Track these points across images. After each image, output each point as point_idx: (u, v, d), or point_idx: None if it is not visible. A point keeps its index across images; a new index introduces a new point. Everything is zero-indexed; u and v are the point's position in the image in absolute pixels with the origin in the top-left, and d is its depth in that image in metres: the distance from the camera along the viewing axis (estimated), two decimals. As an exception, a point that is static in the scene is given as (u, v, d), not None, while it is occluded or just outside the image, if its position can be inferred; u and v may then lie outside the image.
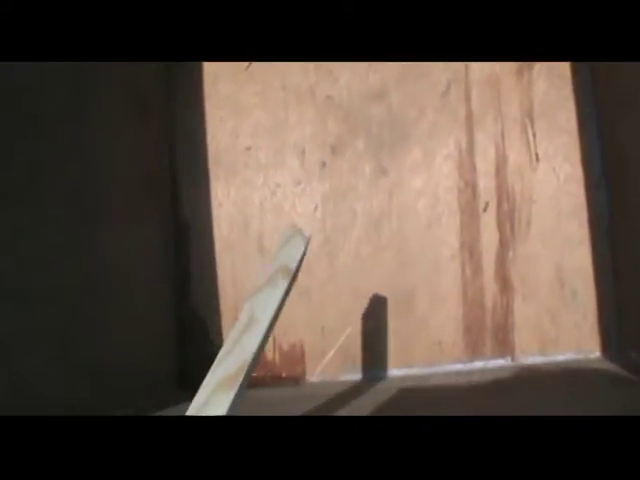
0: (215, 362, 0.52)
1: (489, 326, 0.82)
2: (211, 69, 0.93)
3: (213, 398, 0.49)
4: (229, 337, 0.53)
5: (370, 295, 0.84)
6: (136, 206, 0.82)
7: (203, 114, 0.92)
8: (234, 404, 0.49)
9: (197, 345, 0.88)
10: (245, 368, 0.51)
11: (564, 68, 0.84)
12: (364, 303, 0.84)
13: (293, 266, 0.57)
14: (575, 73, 0.84)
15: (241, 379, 0.50)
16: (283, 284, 0.56)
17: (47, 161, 0.64)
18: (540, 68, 0.84)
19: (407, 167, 0.86)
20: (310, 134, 0.89)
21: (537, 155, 0.83)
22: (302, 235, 0.58)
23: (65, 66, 0.68)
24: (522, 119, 0.84)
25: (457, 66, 0.86)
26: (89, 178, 0.71)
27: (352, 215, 0.86)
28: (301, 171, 0.89)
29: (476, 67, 0.86)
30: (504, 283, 0.83)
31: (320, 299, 0.85)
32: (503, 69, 0.85)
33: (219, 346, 0.86)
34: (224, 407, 0.48)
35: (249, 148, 0.90)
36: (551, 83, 0.84)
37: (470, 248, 0.83)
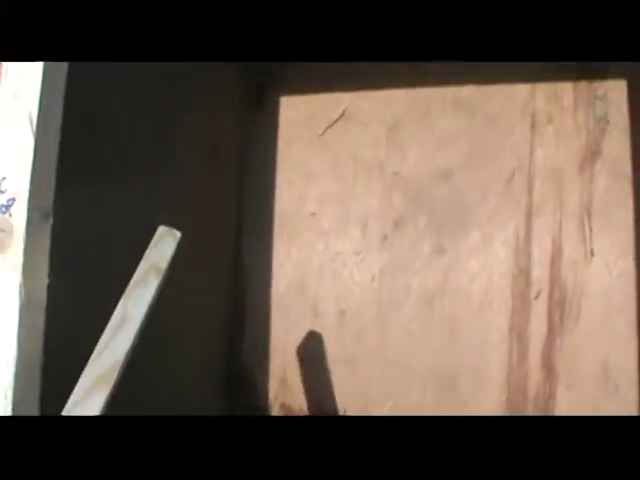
0: (89, 361, 0.55)
1: (531, 412, 0.85)
2: (286, 133, 0.98)
3: (88, 398, 0.53)
4: (102, 336, 0.56)
5: (417, 371, 0.87)
6: (200, 254, 0.86)
7: (273, 175, 0.98)
8: (107, 402, 0.53)
9: (244, 399, 0.92)
10: (118, 367, 0.55)
11: (625, 166, 0.87)
12: (410, 378, 0.87)
13: (164, 265, 0.60)
14: (636, 171, 0.87)
15: (114, 377, 0.54)
16: (154, 283, 0.59)
17: (128, 195, 0.69)
18: (602, 164, 0.87)
19: (465, 249, 0.89)
20: (375, 207, 0.93)
21: (592, 250, 0.86)
22: (173, 234, 0.61)
23: (152, 110, 0.73)
24: (581, 213, 0.87)
25: (522, 155, 0.90)
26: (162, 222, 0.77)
27: (407, 290, 0.90)
28: (362, 241, 0.93)
29: (540, 157, 0.89)
30: (549, 371, 0.85)
31: (367, 369, 0.89)
32: (566, 161, 0.88)
33: (265, 401, 0.91)
34: (99, 406, 0.52)
35: (314, 214, 0.95)
36: (612, 180, 0.87)
37: (519, 334, 0.86)
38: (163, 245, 0.61)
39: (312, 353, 0.92)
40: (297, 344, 0.92)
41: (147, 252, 0.60)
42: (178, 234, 0.61)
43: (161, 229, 0.61)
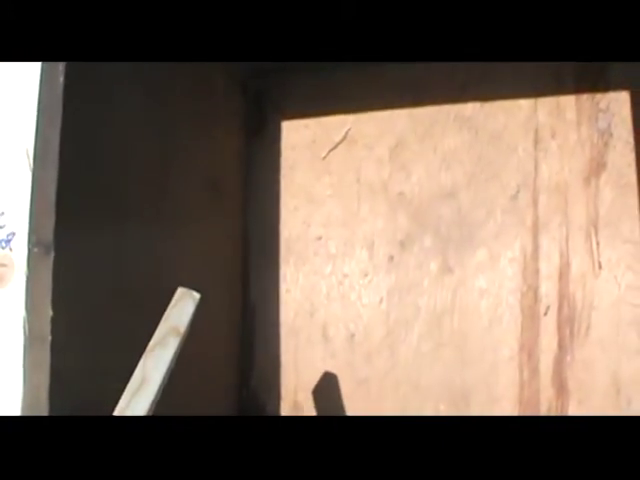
0: None
1: (544, 428, 0.86)
2: (289, 157, 1.00)
3: None
4: (122, 398, 0.58)
5: (428, 390, 0.89)
6: (206, 285, 0.88)
7: (278, 201, 1.00)
8: None
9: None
10: None
11: (630, 177, 0.88)
12: (422, 397, 0.89)
13: (183, 327, 0.63)
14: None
15: None
16: (174, 344, 0.61)
17: (130, 236, 0.70)
18: (607, 177, 0.89)
19: (472, 267, 0.91)
20: (380, 228, 0.95)
21: (600, 263, 0.87)
22: (192, 295, 0.64)
23: (151, 141, 0.75)
24: (587, 227, 0.88)
25: (527, 170, 0.91)
26: (166, 255, 0.78)
27: (416, 310, 0.91)
28: (369, 263, 0.95)
29: (545, 172, 0.90)
30: (560, 387, 0.86)
31: (379, 390, 0.91)
32: (571, 175, 0.90)
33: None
34: None
35: (320, 238, 0.96)
36: (618, 192, 0.88)
37: (529, 350, 0.88)
38: (182, 306, 0.64)
39: (323, 377, 0.93)
40: (307, 368, 0.93)
41: (166, 313, 0.63)
42: (197, 296, 0.64)
43: (180, 290, 0.64)
